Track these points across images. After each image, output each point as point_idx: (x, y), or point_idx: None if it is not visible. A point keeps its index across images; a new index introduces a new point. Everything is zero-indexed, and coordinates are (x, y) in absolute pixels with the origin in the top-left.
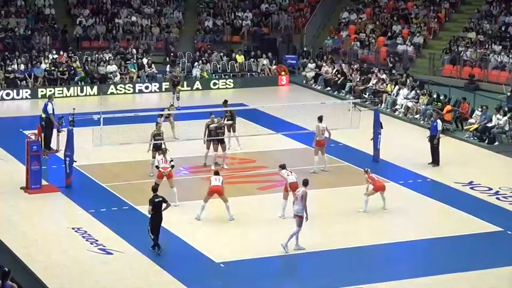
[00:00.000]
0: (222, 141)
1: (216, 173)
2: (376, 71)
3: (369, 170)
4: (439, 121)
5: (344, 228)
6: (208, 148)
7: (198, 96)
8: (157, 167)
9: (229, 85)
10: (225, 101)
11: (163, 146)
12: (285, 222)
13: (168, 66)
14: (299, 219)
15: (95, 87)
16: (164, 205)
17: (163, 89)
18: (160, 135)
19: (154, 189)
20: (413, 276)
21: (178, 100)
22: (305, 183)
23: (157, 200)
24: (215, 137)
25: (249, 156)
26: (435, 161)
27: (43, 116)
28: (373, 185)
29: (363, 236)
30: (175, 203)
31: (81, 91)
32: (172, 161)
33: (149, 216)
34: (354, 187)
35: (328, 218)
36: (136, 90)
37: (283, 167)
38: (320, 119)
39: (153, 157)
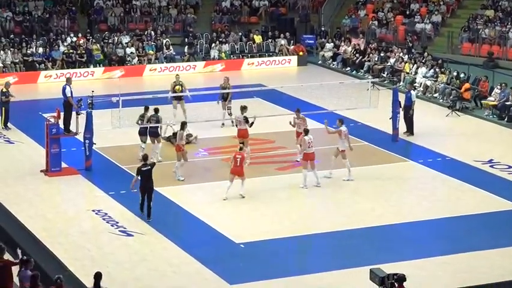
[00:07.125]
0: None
1: None
2: (394, 50)
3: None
4: (412, 92)
5: (362, 207)
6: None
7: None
8: None
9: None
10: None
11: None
12: (304, 202)
13: (186, 47)
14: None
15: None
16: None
17: None
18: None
19: (144, 157)
20: (433, 255)
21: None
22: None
23: (144, 168)
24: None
25: (267, 137)
26: (410, 130)
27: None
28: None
29: (381, 216)
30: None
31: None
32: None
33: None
34: (372, 166)
35: (346, 198)
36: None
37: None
38: (306, 131)
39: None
